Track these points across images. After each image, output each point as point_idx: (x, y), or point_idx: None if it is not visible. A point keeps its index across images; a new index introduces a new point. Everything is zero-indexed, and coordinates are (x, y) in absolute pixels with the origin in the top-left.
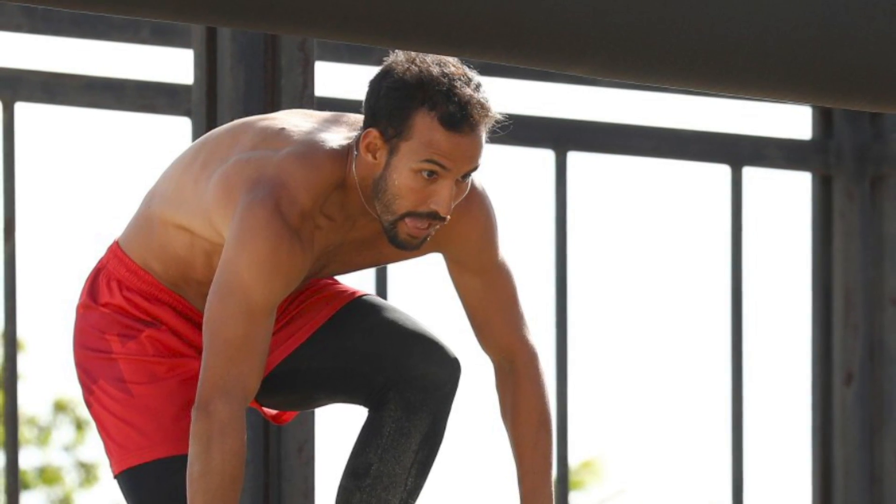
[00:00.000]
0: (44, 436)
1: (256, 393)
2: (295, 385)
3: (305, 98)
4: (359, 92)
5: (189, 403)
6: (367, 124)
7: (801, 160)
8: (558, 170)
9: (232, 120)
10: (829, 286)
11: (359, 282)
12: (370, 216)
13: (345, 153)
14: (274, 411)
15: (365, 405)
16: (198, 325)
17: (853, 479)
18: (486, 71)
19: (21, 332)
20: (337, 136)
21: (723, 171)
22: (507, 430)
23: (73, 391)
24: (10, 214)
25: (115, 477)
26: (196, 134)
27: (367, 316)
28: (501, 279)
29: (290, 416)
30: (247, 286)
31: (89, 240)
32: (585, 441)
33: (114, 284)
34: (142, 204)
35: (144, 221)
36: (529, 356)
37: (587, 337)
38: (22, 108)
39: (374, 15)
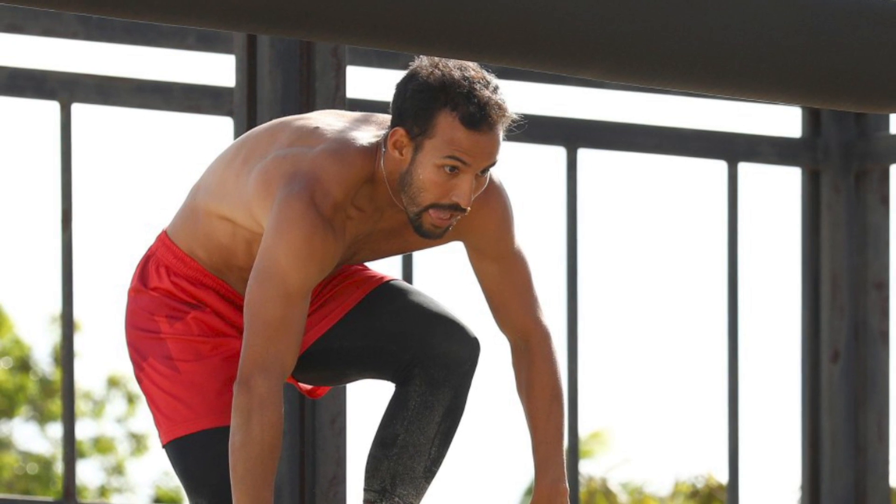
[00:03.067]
0: (98, 409)
1: (293, 369)
2: (328, 362)
3: (338, 99)
4: (387, 94)
5: (231, 379)
6: (394, 123)
7: (791, 156)
8: (569, 165)
9: (270, 119)
10: (817, 272)
11: (387, 268)
12: (397, 208)
13: (374, 150)
14: (309, 386)
15: (392, 381)
16: (239, 308)
17: (839, 449)
18: (503, 74)
19: (77, 313)
20: (366, 135)
21: (719, 167)
22: (523, 404)
23: (125, 368)
24: (67, 206)
25: (164, 447)
26: (238, 132)
27: (394, 299)
28: (517, 265)
29: (324, 390)
30: (284, 272)
31: (140, 229)
32: (594, 413)
33: (162, 270)
34: (188, 196)
35: (190, 213)
36: (543, 336)
37: (596, 318)
38: (78, 109)
39: (401, 23)
